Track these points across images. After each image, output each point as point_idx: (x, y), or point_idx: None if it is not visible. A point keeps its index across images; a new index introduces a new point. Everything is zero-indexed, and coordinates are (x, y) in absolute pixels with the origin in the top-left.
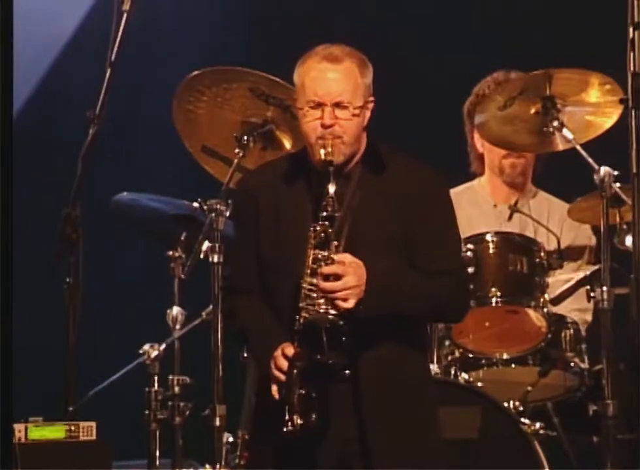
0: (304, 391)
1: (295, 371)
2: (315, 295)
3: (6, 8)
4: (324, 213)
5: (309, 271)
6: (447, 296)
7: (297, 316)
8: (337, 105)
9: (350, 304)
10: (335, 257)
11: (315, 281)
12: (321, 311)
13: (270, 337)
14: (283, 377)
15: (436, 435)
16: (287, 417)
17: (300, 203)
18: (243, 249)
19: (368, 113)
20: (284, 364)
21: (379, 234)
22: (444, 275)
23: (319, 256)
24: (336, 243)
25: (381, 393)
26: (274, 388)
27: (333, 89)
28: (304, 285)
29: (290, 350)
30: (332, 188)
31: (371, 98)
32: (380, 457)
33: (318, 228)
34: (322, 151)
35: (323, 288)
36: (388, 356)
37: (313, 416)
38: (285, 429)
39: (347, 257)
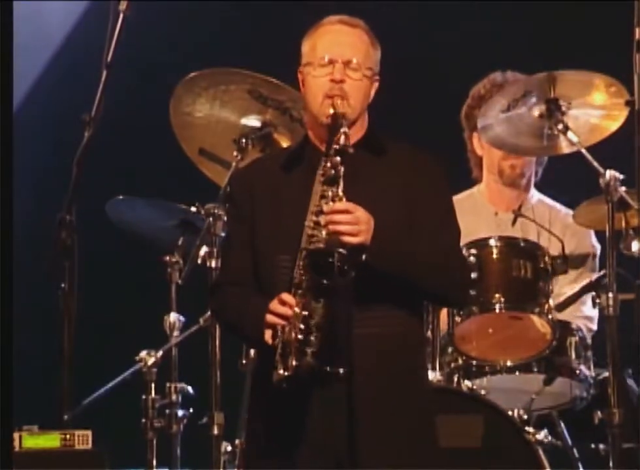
0: (303, 327)
1: (295, 309)
2: (318, 233)
3: (6, 11)
4: (337, 147)
5: (314, 208)
6: (447, 269)
7: (297, 261)
8: (348, 64)
9: (358, 239)
10: (342, 195)
11: (320, 219)
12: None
13: (262, 307)
14: (280, 321)
15: (431, 438)
16: (279, 364)
17: (302, 183)
18: (236, 242)
19: (373, 90)
20: (279, 308)
21: (379, 215)
22: (445, 252)
23: (327, 193)
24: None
25: (376, 393)
26: (268, 333)
27: (346, 47)
28: (308, 224)
29: (287, 297)
30: (345, 127)
31: (377, 77)
32: (368, 456)
33: (328, 164)
34: (331, 109)
35: (335, 220)
36: (388, 335)
37: (308, 357)
38: (276, 376)
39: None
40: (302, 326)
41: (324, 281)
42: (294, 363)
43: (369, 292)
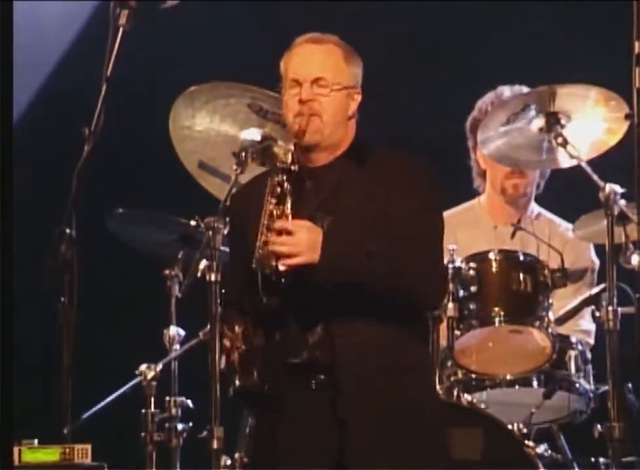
0: (245, 347)
1: (238, 329)
2: (267, 252)
3: (6, 21)
4: (282, 166)
5: (264, 228)
6: (415, 268)
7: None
8: (316, 82)
9: (297, 261)
10: (289, 212)
11: (269, 236)
12: (272, 265)
13: None
14: (226, 343)
15: (432, 449)
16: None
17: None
18: (232, 262)
19: (353, 104)
20: (228, 332)
21: (360, 225)
22: (414, 251)
23: (274, 211)
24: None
25: (368, 406)
26: (222, 360)
27: (312, 66)
28: (258, 244)
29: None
30: (291, 145)
31: (358, 90)
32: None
33: (275, 181)
34: (296, 127)
35: (272, 241)
36: (375, 344)
37: (255, 375)
38: (230, 395)
39: (303, 221)
40: (243, 347)
41: (253, 301)
42: (237, 383)
43: (348, 304)
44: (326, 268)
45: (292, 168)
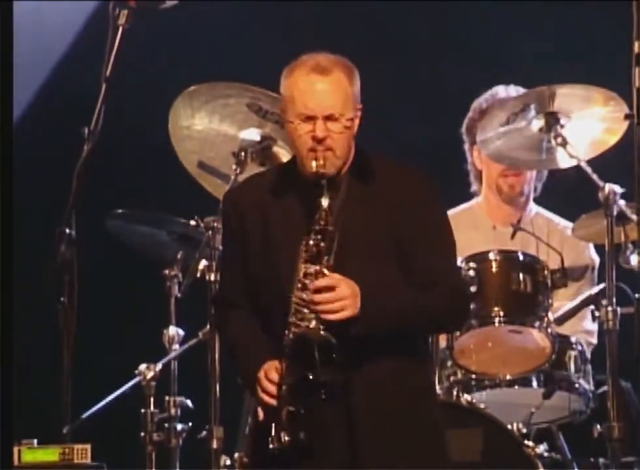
0: (292, 409)
1: (284, 387)
2: (305, 310)
3: (6, 20)
4: (317, 227)
5: (299, 285)
6: (445, 305)
7: (286, 332)
8: (328, 118)
9: (343, 315)
10: (326, 272)
11: (305, 295)
12: (312, 326)
13: (252, 358)
14: (270, 400)
15: (442, 461)
16: (274, 434)
17: (290, 216)
18: (230, 262)
19: (357, 122)
20: (269, 387)
21: (369, 245)
22: (439, 282)
23: (310, 270)
24: (326, 257)
25: (378, 414)
26: (259, 409)
27: (324, 102)
28: (294, 300)
29: (273, 374)
30: (325, 202)
31: (359, 106)
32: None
33: (311, 242)
34: (314, 164)
35: (316, 301)
36: (387, 372)
37: (302, 434)
38: (271, 446)
39: (339, 275)
40: (290, 408)
41: (309, 375)
42: (287, 439)
43: (364, 343)
44: (367, 319)
45: (330, 228)
